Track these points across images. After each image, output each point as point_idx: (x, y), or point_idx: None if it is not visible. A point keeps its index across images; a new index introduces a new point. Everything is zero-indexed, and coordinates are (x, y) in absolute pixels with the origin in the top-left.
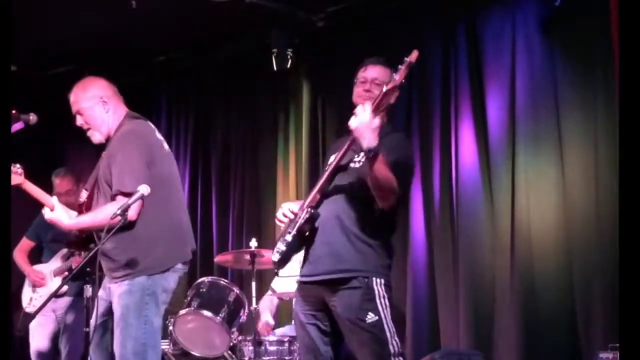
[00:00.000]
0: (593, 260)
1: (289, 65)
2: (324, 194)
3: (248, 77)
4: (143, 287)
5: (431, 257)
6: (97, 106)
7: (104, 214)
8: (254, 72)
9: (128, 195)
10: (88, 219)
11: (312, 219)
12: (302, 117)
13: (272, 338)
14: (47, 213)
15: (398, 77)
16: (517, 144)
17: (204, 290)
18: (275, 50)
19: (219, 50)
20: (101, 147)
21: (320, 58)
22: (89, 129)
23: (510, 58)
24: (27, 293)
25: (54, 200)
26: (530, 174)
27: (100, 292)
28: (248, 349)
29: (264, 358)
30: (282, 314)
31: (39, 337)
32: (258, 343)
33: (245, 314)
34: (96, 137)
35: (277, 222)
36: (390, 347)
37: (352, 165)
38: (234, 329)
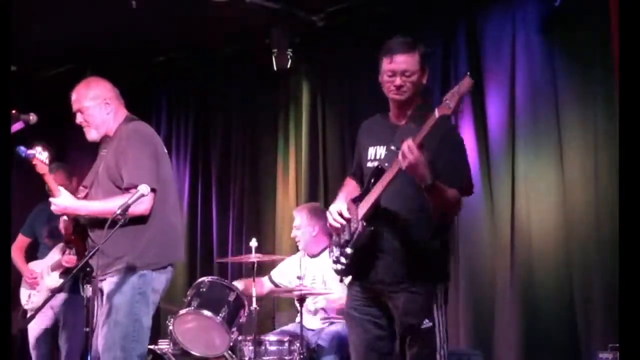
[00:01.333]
0: (593, 260)
1: (289, 65)
2: (380, 202)
3: (248, 77)
4: (133, 285)
5: None
6: (99, 106)
7: (113, 204)
8: (254, 72)
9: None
10: (97, 205)
11: (371, 235)
12: (302, 117)
13: (272, 338)
14: (53, 201)
15: (453, 106)
16: (517, 144)
17: (204, 290)
18: (275, 50)
19: (219, 50)
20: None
21: (320, 58)
22: (85, 126)
23: (510, 58)
24: (24, 290)
25: (60, 188)
26: (530, 174)
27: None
28: (248, 348)
29: (264, 358)
30: (282, 314)
31: (36, 332)
32: (258, 343)
33: (245, 314)
34: (92, 135)
35: (330, 228)
36: (437, 356)
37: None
38: (234, 329)
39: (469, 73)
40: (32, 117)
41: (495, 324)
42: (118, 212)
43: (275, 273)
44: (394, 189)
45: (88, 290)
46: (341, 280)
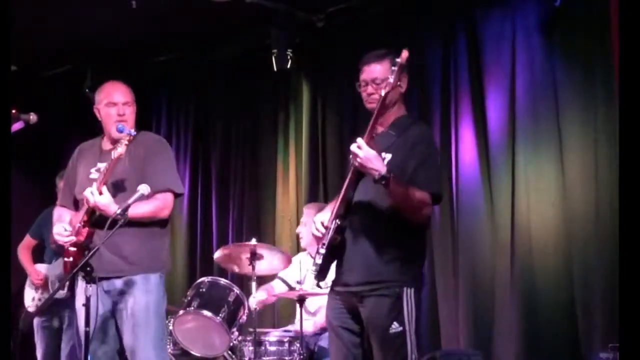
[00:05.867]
0: (593, 260)
1: (289, 65)
2: (352, 201)
3: (248, 77)
4: (158, 285)
5: (431, 257)
6: (135, 110)
7: (150, 206)
8: (254, 72)
9: (175, 194)
10: (139, 209)
11: (340, 231)
12: (302, 117)
13: (272, 338)
14: (95, 197)
15: (393, 81)
16: (517, 144)
17: (204, 290)
18: (275, 50)
19: (219, 50)
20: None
21: (320, 58)
22: (126, 121)
23: (510, 58)
24: (29, 292)
25: (103, 188)
26: (530, 174)
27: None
28: (248, 349)
29: (264, 358)
30: (283, 314)
31: (43, 338)
32: (258, 343)
33: (245, 314)
34: (126, 132)
35: (313, 237)
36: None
37: None
38: (234, 329)
39: (406, 49)
40: (32, 117)
41: (495, 324)
42: (119, 212)
43: (283, 272)
44: (366, 190)
45: (88, 290)
46: (318, 285)
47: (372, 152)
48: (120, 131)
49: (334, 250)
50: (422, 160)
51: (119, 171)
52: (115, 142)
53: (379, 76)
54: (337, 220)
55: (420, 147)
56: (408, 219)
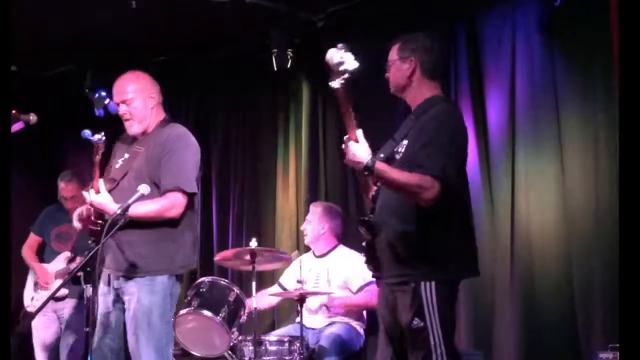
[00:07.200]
0: (593, 260)
1: (289, 65)
2: (378, 189)
3: (248, 77)
4: (165, 287)
5: None
6: (144, 100)
7: (158, 205)
8: (254, 72)
9: (186, 193)
10: (140, 208)
11: (368, 227)
12: (302, 117)
13: (272, 338)
14: (91, 195)
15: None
16: (517, 144)
17: (204, 290)
18: (275, 50)
19: (219, 50)
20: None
21: (320, 58)
22: (129, 119)
23: (510, 58)
24: (28, 292)
25: (100, 184)
26: (530, 174)
27: (102, 288)
28: (248, 349)
29: (264, 358)
30: (283, 314)
31: (42, 338)
32: (258, 343)
33: (245, 314)
34: (134, 129)
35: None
36: (434, 356)
37: (397, 157)
38: (234, 329)
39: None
40: (32, 117)
41: (495, 324)
42: (118, 212)
43: (283, 279)
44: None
45: (88, 291)
46: (374, 276)
47: (356, 146)
48: (85, 138)
49: (369, 243)
50: (427, 141)
51: (134, 167)
52: (142, 134)
53: (389, 58)
54: (364, 217)
55: (428, 128)
56: (414, 201)
